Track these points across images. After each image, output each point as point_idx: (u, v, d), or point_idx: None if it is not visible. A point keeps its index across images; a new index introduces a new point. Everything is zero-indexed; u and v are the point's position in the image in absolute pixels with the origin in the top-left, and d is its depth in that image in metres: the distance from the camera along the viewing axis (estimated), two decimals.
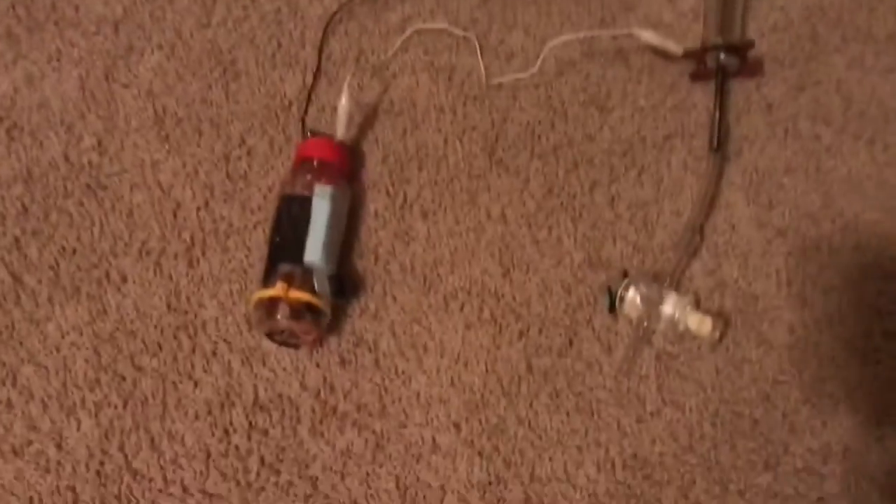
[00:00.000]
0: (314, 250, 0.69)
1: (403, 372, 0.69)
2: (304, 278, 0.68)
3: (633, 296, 0.67)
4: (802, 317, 0.67)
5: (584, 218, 0.74)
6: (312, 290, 0.68)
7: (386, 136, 0.80)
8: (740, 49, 0.75)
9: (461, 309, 0.71)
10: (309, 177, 0.73)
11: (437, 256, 0.74)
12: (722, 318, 0.66)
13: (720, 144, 0.73)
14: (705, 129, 0.76)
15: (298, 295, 0.67)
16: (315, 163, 0.75)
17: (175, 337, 0.72)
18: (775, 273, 0.69)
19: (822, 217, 0.71)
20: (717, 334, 0.65)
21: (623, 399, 0.66)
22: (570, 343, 0.69)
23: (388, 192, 0.77)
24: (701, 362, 0.66)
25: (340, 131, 0.77)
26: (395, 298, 0.72)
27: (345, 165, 0.77)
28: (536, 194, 0.76)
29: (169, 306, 0.73)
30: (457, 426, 0.67)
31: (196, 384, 0.70)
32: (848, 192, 0.72)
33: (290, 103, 0.83)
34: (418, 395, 0.68)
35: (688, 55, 0.77)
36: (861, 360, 0.65)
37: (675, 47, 0.76)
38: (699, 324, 0.64)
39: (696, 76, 0.78)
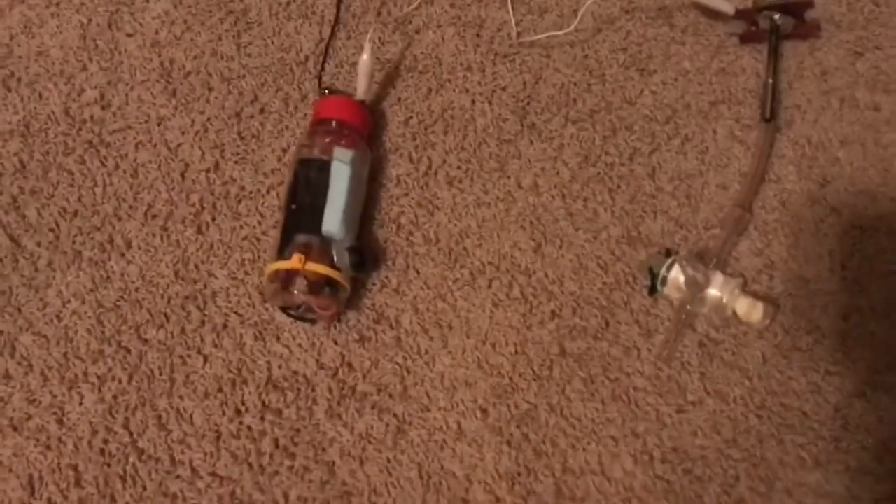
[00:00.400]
0: (333, 219, 0.64)
1: (427, 351, 0.65)
2: (323, 249, 0.63)
3: (676, 276, 0.62)
4: (857, 302, 0.62)
5: (622, 190, 0.69)
6: (331, 263, 0.63)
7: (409, 95, 0.75)
8: (797, 8, 0.69)
9: (489, 285, 0.67)
10: (328, 139, 0.68)
11: (463, 228, 0.69)
12: (772, 304, 0.62)
13: (773, 114, 0.68)
14: (754, 95, 0.71)
15: (316, 268, 0.62)
16: (334, 124, 0.69)
17: (183, 308, 0.67)
18: (828, 255, 0.64)
19: (879, 195, 0.66)
20: (768, 321, 0.60)
21: (663, 387, 0.62)
22: (607, 325, 0.64)
23: (410, 158, 0.72)
24: (747, 349, 0.62)
25: (361, 90, 0.72)
26: (418, 272, 0.68)
27: (366, 127, 0.72)
28: (571, 163, 0.71)
29: (177, 274, 0.68)
30: (484, 411, 0.63)
31: (205, 359, 0.65)
32: None
33: (307, 58, 0.77)
34: (442, 376, 0.64)
35: (739, 15, 0.71)
36: None
37: (726, 6, 0.70)
38: (749, 309, 0.60)
39: (747, 38, 0.72)
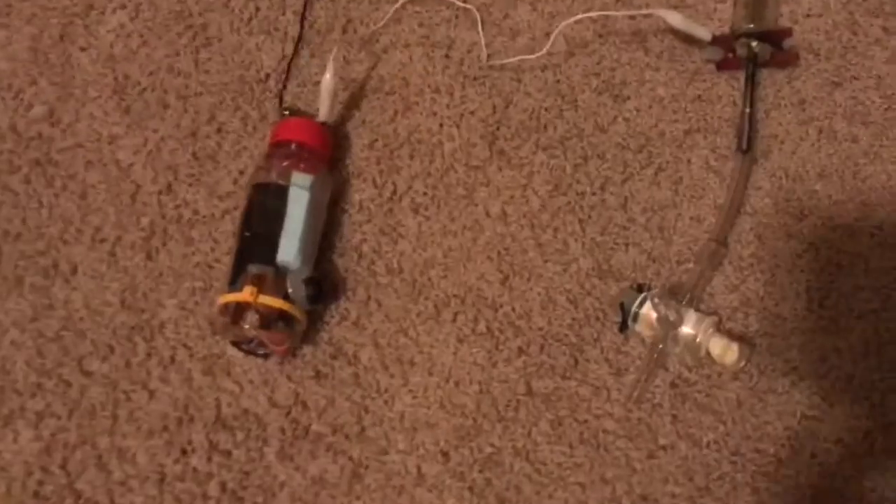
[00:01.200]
0: (289, 249, 0.61)
1: (386, 390, 0.61)
2: (277, 281, 0.60)
3: (648, 313, 0.59)
4: (835, 343, 0.60)
5: (593, 220, 0.66)
6: (286, 296, 0.59)
7: (374, 118, 0.72)
8: (775, 37, 0.67)
9: (454, 319, 0.63)
10: (286, 163, 0.65)
11: (428, 258, 0.66)
12: (748, 345, 0.59)
13: (749, 145, 0.65)
14: (731, 124, 0.68)
15: (269, 301, 0.59)
16: (293, 146, 0.66)
17: (129, 339, 0.63)
18: (805, 292, 0.62)
19: (858, 230, 0.64)
20: (743, 363, 0.58)
21: (633, 430, 0.59)
22: (576, 363, 0.61)
23: (374, 183, 0.69)
24: (721, 391, 0.59)
25: (324, 111, 0.69)
26: (379, 304, 0.64)
27: (327, 150, 0.68)
28: (541, 191, 0.68)
29: (123, 303, 0.65)
30: (445, 455, 0.59)
31: (151, 395, 0.62)
32: (888, 202, 0.64)
33: (268, 76, 0.74)
34: (402, 417, 0.60)
35: (716, 42, 0.68)
36: None
37: (703, 32, 0.68)
38: (723, 350, 0.57)
39: (723, 65, 0.70)
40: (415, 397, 0.61)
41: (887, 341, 0.59)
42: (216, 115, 0.73)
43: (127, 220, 0.68)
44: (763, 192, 0.66)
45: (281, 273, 0.60)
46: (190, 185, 0.70)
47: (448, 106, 0.72)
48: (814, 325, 0.61)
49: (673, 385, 0.60)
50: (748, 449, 0.58)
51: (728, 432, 0.58)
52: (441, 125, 0.71)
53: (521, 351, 0.62)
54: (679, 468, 0.58)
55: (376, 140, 0.71)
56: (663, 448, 0.58)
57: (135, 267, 0.66)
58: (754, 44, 0.67)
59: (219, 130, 0.72)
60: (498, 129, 0.71)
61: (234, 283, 0.60)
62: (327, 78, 0.68)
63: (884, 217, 0.63)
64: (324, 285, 0.62)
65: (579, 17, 0.71)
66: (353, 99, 0.73)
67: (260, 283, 0.59)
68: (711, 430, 0.58)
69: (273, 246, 0.61)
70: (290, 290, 0.60)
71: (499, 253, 0.66)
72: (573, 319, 0.63)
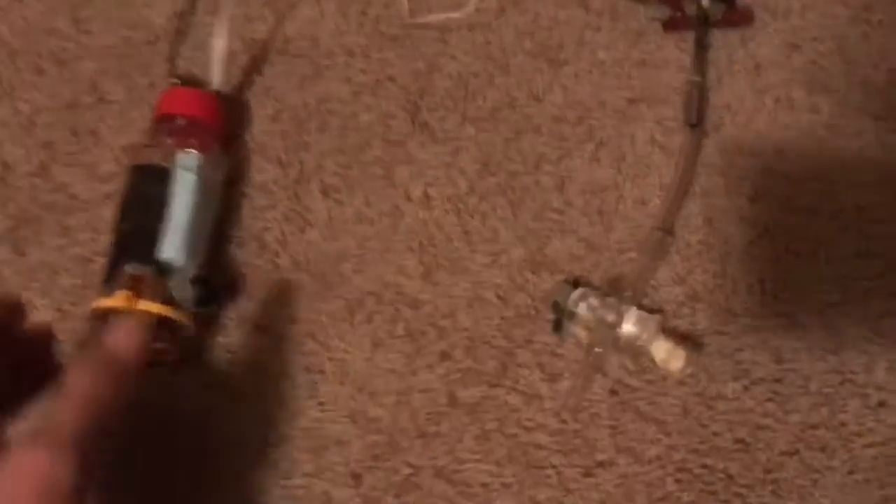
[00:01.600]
0: (173, 243, 0.53)
1: (291, 402, 0.54)
2: (158, 282, 0.52)
3: (584, 312, 0.53)
4: (791, 343, 0.54)
5: (526, 204, 0.59)
6: (170, 299, 0.51)
7: (278, 85, 0.63)
8: None
9: (369, 320, 0.56)
10: (170, 140, 0.56)
11: (340, 249, 0.58)
12: (695, 348, 0.53)
13: (700, 118, 0.58)
14: (678, 93, 0.61)
15: (148, 306, 0.50)
16: (179, 121, 0.57)
17: None
18: (759, 284, 0.55)
19: (818, 213, 0.57)
20: (689, 370, 0.51)
21: (568, 444, 0.52)
22: (505, 369, 0.54)
23: (279, 161, 0.61)
24: (665, 398, 0.53)
25: (216, 78, 0.60)
26: (284, 304, 0.57)
27: (219, 125, 0.59)
28: (468, 170, 0.60)
29: None
30: (357, 477, 0.52)
31: None
32: (850, 182, 0.58)
33: (157, 38, 0.65)
34: (309, 433, 0.53)
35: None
36: (863, 400, 0.52)
37: None
38: (668, 355, 0.51)
39: (671, 25, 0.62)
40: (323, 411, 0.54)
41: (848, 339, 0.53)
42: (98, 83, 0.64)
43: None
44: (713, 170, 0.59)
45: (164, 272, 0.52)
46: (67, 164, 0.61)
47: (364, 71, 0.64)
48: (768, 321, 0.54)
49: (612, 392, 0.53)
50: (695, 464, 0.51)
51: (673, 445, 0.52)
52: (356, 93, 0.63)
53: (444, 355, 0.55)
54: (618, 487, 0.51)
55: (281, 111, 0.62)
56: (601, 464, 0.52)
57: (1, 262, 0.58)
58: (705, 1, 0.59)
59: (101, 101, 0.63)
60: (421, 98, 0.62)
61: (109, 284, 0.52)
62: (218, 38, 0.59)
63: (846, 199, 0.57)
64: (215, 285, 0.54)
65: None
66: (254, 63, 0.64)
67: (137, 286, 0.51)
68: (654, 444, 0.52)
69: (153, 240, 0.52)
70: (174, 293, 0.52)
71: (421, 243, 0.58)
72: (502, 319, 0.56)
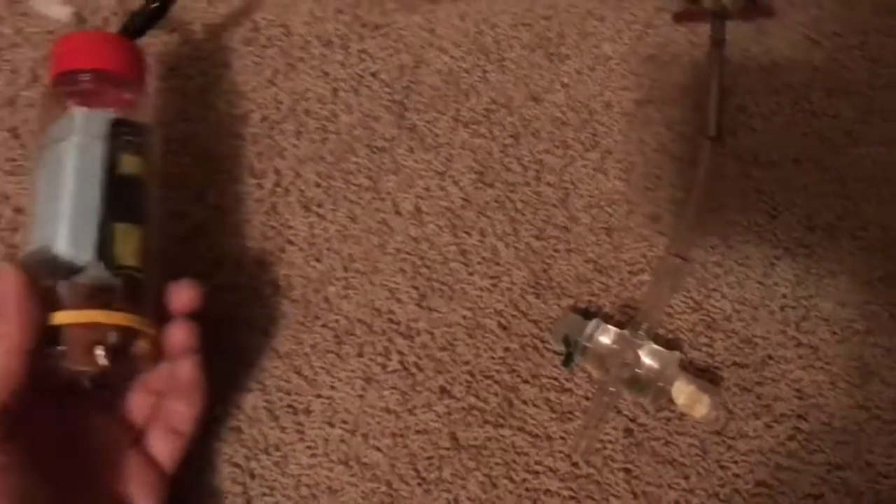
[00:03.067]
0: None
1: (277, 447, 0.49)
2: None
3: (597, 347, 0.49)
4: (815, 375, 0.51)
5: (527, 219, 0.54)
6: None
7: (246, 80, 0.56)
8: None
9: (359, 353, 0.51)
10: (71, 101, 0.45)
11: (324, 270, 0.53)
12: (718, 391, 0.49)
13: (719, 130, 0.53)
14: (689, 93, 0.56)
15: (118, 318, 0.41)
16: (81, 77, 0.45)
17: None
18: (780, 311, 0.52)
19: (840, 231, 0.53)
20: (714, 414, 0.48)
21: (580, 490, 0.49)
22: (510, 406, 0.50)
23: (252, 170, 0.54)
24: (682, 438, 0.49)
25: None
26: (264, 334, 0.51)
27: (139, 76, 0.47)
28: (463, 181, 0.55)
29: None
30: None
31: None
32: (874, 196, 0.54)
33: (105, 19, 0.57)
34: (298, 481, 0.48)
35: None
36: (891, 437, 0.50)
37: None
38: (691, 401, 0.47)
39: (682, 16, 0.57)
40: (313, 455, 0.49)
41: (874, 372, 0.50)
42: (40, 75, 0.56)
43: None
44: (728, 182, 0.54)
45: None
46: (10, 172, 0.54)
47: (343, 64, 0.57)
48: (790, 352, 0.51)
49: (627, 432, 0.49)
50: None
51: (691, 489, 0.49)
52: (335, 91, 0.57)
53: (443, 392, 0.50)
54: None
55: (251, 111, 0.56)
56: None
57: None
58: None
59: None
60: (407, 96, 0.56)
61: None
62: None
63: (870, 215, 0.53)
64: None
65: None
66: (217, 52, 0.57)
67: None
68: (672, 488, 0.49)
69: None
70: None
71: (413, 264, 0.53)
72: (506, 350, 0.51)
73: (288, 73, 0.57)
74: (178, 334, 0.43)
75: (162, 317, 0.43)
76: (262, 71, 0.57)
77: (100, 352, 0.40)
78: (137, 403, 0.45)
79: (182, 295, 0.44)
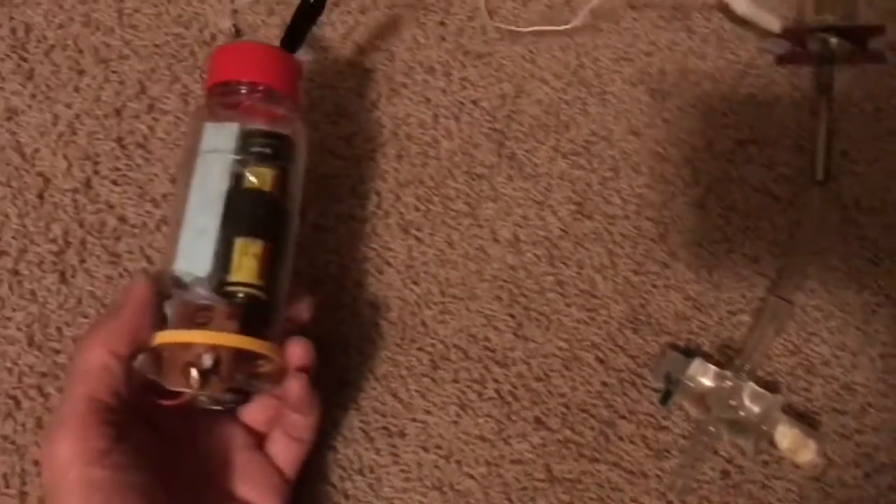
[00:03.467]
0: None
1: (371, 469, 0.49)
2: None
3: (697, 386, 0.48)
4: None
5: (626, 252, 0.54)
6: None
7: (349, 103, 0.57)
8: (861, 34, 0.54)
9: (455, 378, 0.51)
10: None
11: (421, 293, 0.53)
12: (820, 436, 0.49)
13: (827, 175, 0.53)
14: (791, 134, 0.56)
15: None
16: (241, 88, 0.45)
17: (39, 390, 0.49)
18: (881, 358, 0.51)
19: None
20: (819, 461, 0.47)
21: None
22: (606, 440, 0.50)
23: (353, 190, 0.55)
24: (780, 483, 0.49)
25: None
26: (360, 354, 0.51)
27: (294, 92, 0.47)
28: (561, 211, 0.55)
29: (31, 341, 0.50)
30: None
31: None
32: None
33: (213, 37, 0.58)
34: None
35: (784, 33, 0.55)
36: None
37: (772, 22, 0.55)
38: (796, 446, 0.47)
39: (786, 59, 0.57)
40: (407, 479, 0.49)
41: None
42: (147, 87, 0.57)
43: (33, 227, 0.53)
44: (831, 229, 0.54)
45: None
46: (115, 182, 0.55)
47: (445, 91, 0.58)
48: (890, 401, 0.50)
49: (724, 473, 0.49)
50: None
51: None
52: (436, 117, 0.57)
53: (539, 423, 0.50)
54: None
55: (355, 133, 0.56)
56: None
57: (45, 291, 0.52)
58: (834, 40, 0.54)
59: (151, 108, 0.56)
60: (508, 125, 0.57)
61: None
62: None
63: None
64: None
65: None
66: (322, 74, 0.57)
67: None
68: None
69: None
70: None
71: (510, 292, 0.53)
72: (603, 384, 0.51)
73: (391, 97, 0.57)
74: (291, 353, 0.43)
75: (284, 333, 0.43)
76: (365, 94, 0.57)
77: (194, 374, 0.39)
78: (259, 407, 0.45)
79: (301, 308, 0.44)
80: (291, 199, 0.44)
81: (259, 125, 0.44)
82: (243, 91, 0.45)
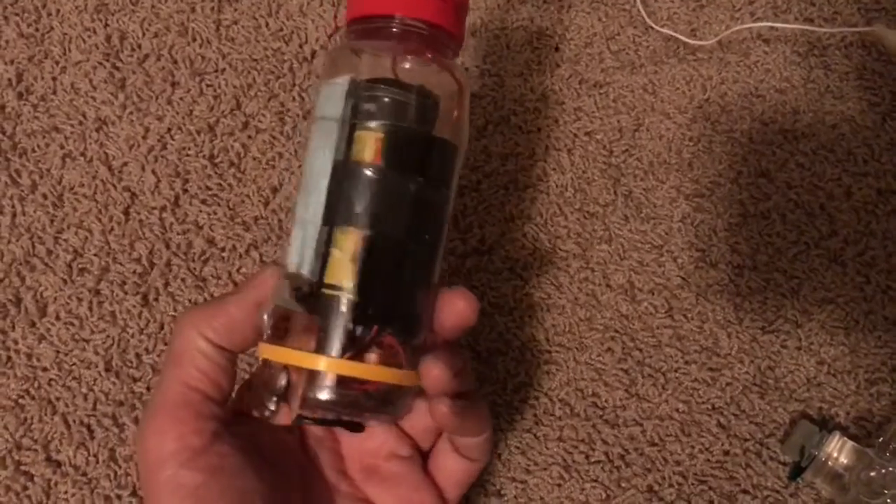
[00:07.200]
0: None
1: None
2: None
3: (832, 462, 0.43)
4: None
5: (753, 308, 0.49)
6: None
7: None
8: None
9: (559, 436, 0.47)
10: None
11: (525, 340, 0.49)
12: None
13: None
14: None
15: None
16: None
17: (115, 420, 0.46)
18: None
19: None
20: None
21: None
22: None
23: (456, 223, 0.51)
24: None
25: None
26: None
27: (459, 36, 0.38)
28: (682, 258, 0.50)
29: (108, 366, 0.47)
30: None
31: (142, 502, 0.45)
32: None
33: (314, 53, 0.55)
34: None
35: None
36: None
37: None
38: None
39: None
40: None
41: None
42: (242, 102, 0.54)
43: (116, 245, 0.50)
44: None
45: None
46: (204, 201, 0.52)
47: (558, 121, 0.54)
48: None
49: None
50: None
51: None
52: (547, 148, 0.53)
53: (651, 492, 0.46)
54: None
55: (468, 159, 0.53)
56: None
57: (126, 313, 0.49)
58: None
59: (245, 126, 0.54)
60: (625, 161, 0.53)
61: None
62: None
63: None
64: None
65: (763, 24, 0.52)
66: None
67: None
68: None
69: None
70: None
71: (623, 344, 0.48)
72: (724, 453, 0.46)
73: (499, 125, 0.54)
74: (425, 376, 0.34)
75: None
76: (472, 121, 0.54)
77: (272, 400, 0.33)
78: (420, 412, 0.36)
79: (447, 313, 0.35)
80: (438, 172, 0.35)
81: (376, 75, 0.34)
82: (394, 29, 0.34)
